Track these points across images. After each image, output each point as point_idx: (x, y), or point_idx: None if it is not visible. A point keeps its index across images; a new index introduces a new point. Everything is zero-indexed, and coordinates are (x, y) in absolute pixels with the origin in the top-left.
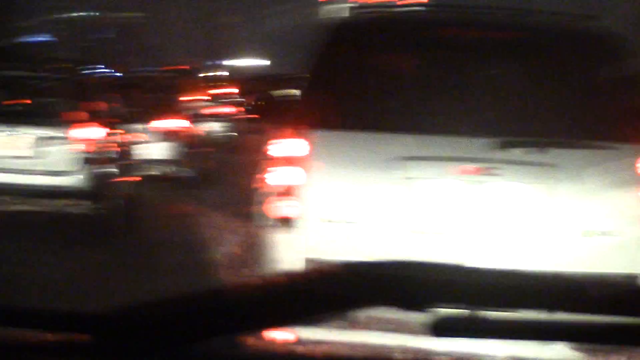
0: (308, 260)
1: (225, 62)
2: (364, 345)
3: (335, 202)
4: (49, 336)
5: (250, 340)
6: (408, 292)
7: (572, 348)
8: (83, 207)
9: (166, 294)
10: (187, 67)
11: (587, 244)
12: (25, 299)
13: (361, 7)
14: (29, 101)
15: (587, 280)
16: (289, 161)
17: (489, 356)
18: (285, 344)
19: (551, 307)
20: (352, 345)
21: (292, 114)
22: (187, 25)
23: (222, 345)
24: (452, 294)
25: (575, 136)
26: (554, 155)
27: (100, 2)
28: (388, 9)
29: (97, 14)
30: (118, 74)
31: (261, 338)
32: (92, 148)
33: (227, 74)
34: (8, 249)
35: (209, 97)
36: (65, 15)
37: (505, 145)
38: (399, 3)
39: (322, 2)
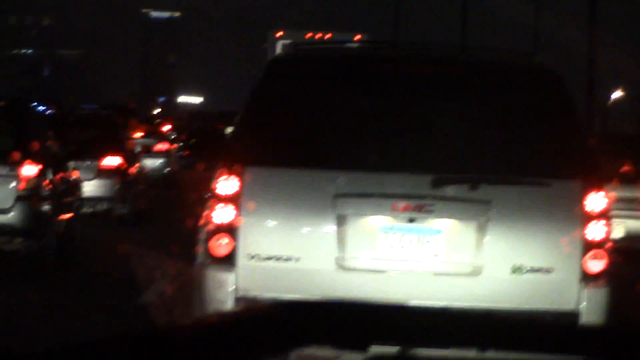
0: (240, 299)
1: (162, 100)
2: None
3: (268, 239)
4: None
5: None
6: (341, 331)
7: None
8: (17, 244)
9: (98, 333)
10: (124, 104)
11: (517, 280)
12: None
13: (294, 44)
14: None
15: (518, 317)
16: (220, 199)
17: None
18: None
19: (481, 345)
20: None
21: (225, 150)
22: (126, 63)
23: None
24: (384, 332)
25: (510, 173)
26: (487, 191)
27: (39, 39)
28: (321, 47)
29: (35, 51)
30: (54, 111)
31: None
32: (26, 186)
33: (162, 111)
34: None
35: (145, 134)
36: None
37: (439, 182)
38: (326, 38)
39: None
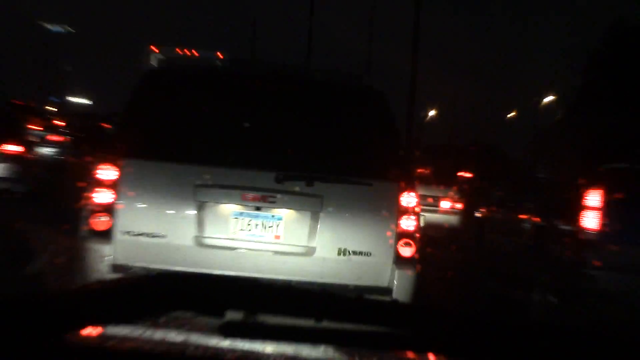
0: (117, 267)
1: (57, 100)
2: (164, 342)
3: (140, 219)
4: None
5: (70, 338)
6: (200, 299)
7: (335, 350)
8: None
9: None
10: (26, 103)
11: (344, 261)
12: None
13: (167, 58)
14: None
15: (343, 292)
16: (102, 184)
17: (266, 354)
18: (98, 339)
19: (317, 316)
20: (154, 342)
21: (107, 145)
22: (28, 68)
23: (44, 344)
24: (236, 300)
25: (340, 174)
26: (320, 188)
27: None
28: (189, 61)
29: None
30: None
31: (79, 335)
32: None
33: (58, 110)
34: None
35: (42, 128)
36: None
37: (281, 179)
38: (193, 54)
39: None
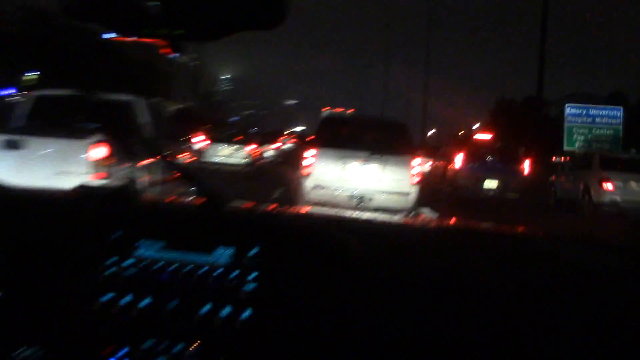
0: (315, 187)
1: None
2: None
3: (320, 172)
4: None
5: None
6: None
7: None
8: None
9: None
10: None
11: (395, 181)
12: None
13: (330, 113)
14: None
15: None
16: (308, 158)
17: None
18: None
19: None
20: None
21: (312, 143)
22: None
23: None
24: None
25: (391, 153)
26: (385, 158)
27: None
28: (337, 114)
29: None
30: None
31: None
32: None
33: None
34: None
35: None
36: None
37: (371, 154)
38: (341, 110)
39: None
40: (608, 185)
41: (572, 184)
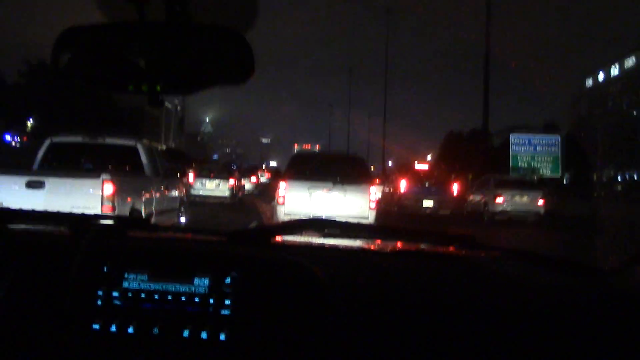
0: (286, 214)
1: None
2: (308, 242)
3: (290, 200)
4: None
5: (273, 240)
6: (309, 224)
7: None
8: None
9: None
10: (254, 166)
11: (354, 210)
12: None
13: (300, 150)
14: None
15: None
16: (280, 189)
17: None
18: (282, 242)
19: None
20: (306, 242)
21: (280, 176)
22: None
23: (263, 242)
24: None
25: (352, 182)
26: (344, 186)
27: None
28: (305, 150)
29: None
30: None
31: (276, 240)
32: None
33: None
34: None
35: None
36: None
37: (334, 184)
38: (309, 147)
39: None
40: (499, 199)
41: (476, 200)
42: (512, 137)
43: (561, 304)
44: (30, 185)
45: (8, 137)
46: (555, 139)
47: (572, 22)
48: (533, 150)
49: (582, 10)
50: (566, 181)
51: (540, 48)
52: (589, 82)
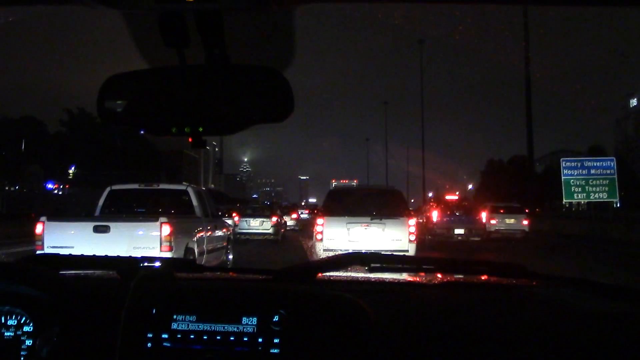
0: (326, 250)
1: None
2: (350, 277)
3: (329, 235)
4: None
5: (317, 278)
6: (350, 259)
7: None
8: None
9: None
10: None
11: (393, 244)
12: None
13: (337, 184)
14: None
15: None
16: (318, 225)
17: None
18: (327, 279)
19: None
20: (351, 278)
21: (320, 212)
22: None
23: (307, 278)
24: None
25: (390, 216)
26: (383, 220)
27: None
28: (345, 185)
29: None
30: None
31: (319, 278)
32: None
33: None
34: None
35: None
36: None
37: (371, 218)
38: (346, 181)
39: None
40: (493, 221)
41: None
42: (563, 162)
43: (619, 331)
44: (97, 229)
45: (50, 185)
46: (610, 160)
47: (607, 44)
48: (587, 174)
49: (616, 32)
50: (616, 205)
51: (578, 71)
52: (634, 102)
